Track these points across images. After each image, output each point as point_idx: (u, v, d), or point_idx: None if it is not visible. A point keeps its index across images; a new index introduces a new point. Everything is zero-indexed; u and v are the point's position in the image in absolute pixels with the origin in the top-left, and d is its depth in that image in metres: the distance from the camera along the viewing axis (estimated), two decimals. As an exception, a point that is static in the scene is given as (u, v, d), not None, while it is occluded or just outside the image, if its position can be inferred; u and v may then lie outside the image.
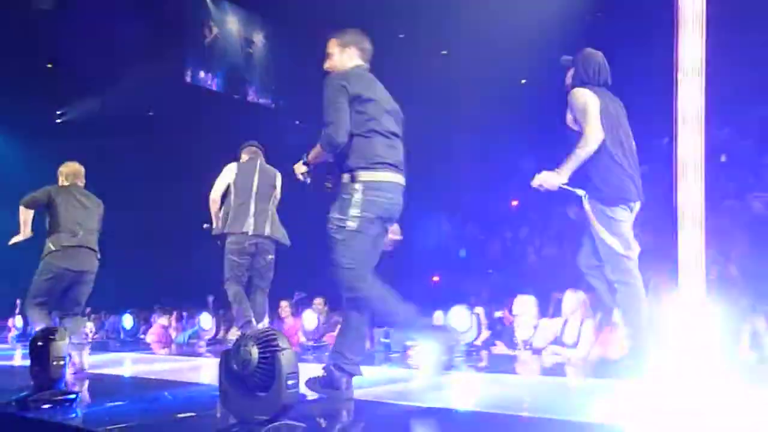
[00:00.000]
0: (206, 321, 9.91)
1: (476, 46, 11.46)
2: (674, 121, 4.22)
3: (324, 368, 3.87)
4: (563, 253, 10.58)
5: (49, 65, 16.66)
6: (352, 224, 3.70)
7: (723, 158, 10.34)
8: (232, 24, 16.09)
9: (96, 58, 14.95)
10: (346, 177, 3.78)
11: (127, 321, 10.97)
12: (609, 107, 4.42)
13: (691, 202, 4.15)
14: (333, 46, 4.10)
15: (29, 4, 13.62)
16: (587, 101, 4.35)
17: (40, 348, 3.78)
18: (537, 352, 6.62)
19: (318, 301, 9.15)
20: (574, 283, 6.68)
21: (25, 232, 6.14)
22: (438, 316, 7.24)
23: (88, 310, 13.61)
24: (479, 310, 7.30)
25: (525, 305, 7.04)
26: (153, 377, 5.64)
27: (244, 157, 6.66)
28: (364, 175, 3.72)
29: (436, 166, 12.30)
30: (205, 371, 6.10)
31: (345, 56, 4.04)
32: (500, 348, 7.02)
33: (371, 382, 4.66)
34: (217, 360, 2.87)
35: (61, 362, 3.78)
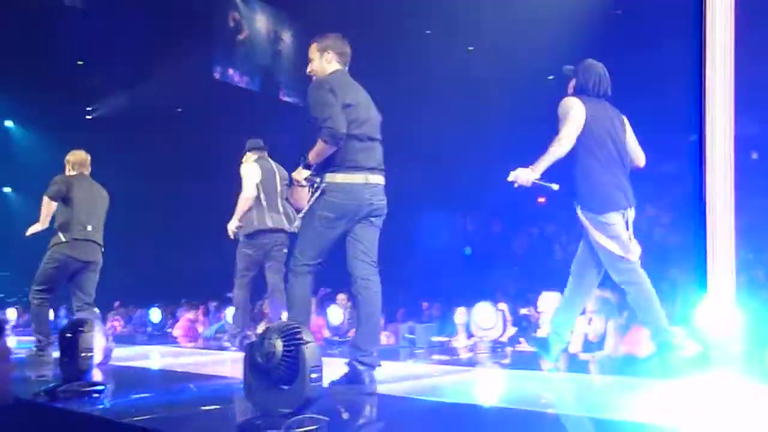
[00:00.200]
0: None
1: (502, 43, 11.41)
2: (702, 118, 4.17)
3: (347, 364, 3.93)
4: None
5: (80, 62, 16.85)
6: (310, 219, 3.97)
7: (754, 155, 10.18)
8: (261, 21, 16.15)
9: (125, 56, 15.12)
10: (317, 179, 4.01)
11: (155, 315, 11.08)
12: (599, 117, 4.58)
13: (721, 202, 4.11)
14: (313, 51, 4.23)
15: (60, 3, 13.78)
16: (570, 109, 4.55)
17: (69, 340, 3.84)
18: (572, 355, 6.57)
19: (342, 297, 9.18)
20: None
21: (44, 223, 6.29)
22: (461, 312, 7.23)
23: (116, 303, 13.82)
24: (504, 306, 7.26)
25: (550, 302, 7.00)
26: (179, 370, 5.70)
27: (254, 155, 6.76)
28: (327, 177, 3.94)
29: (463, 163, 12.29)
30: (231, 365, 6.15)
31: (324, 61, 4.17)
32: (525, 345, 6.99)
33: (396, 377, 4.67)
34: (243, 354, 2.89)
35: (90, 354, 3.83)
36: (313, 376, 2.67)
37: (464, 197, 12.49)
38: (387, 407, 3.67)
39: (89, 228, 6.18)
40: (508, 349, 6.86)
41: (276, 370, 2.70)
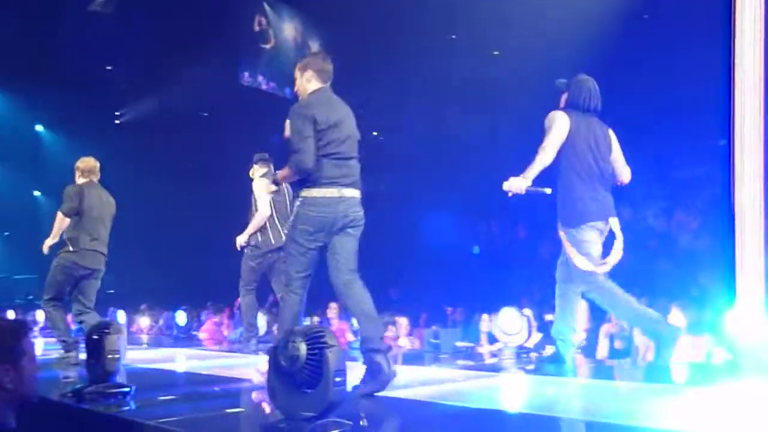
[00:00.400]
0: (259, 319, 10.00)
1: (528, 47, 11.36)
2: (731, 122, 4.13)
3: (363, 363, 4.05)
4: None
5: (108, 68, 17.05)
6: (293, 234, 4.18)
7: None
8: (287, 26, 16.22)
9: (153, 61, 15.27)
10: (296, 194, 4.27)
11: (181, 318, 11.15)
12: (582, 131, 4.81)
13: (750, 206, 4.06)
14: (295, 71, 4.39)
15: (89, 8, 13.96)
16: (554, 122, 4.79)
17: (96, 342, 3.88)
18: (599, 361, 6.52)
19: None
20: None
21: (56, 237, 6.47)
22: (486, 318, 7.20)
23: (143, 306, 13.94)
24: (529, 312, 7.21)
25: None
26: (204, 373, 5.73)
27: (262, 168, 6.89)
28: (304, 192, 4.14)
29: (486, 168, 12.24)
30: (256, 368, 6.17)
31: (304, 80, 4.32)
32: (550, 350, 6.93)
33: (420, 381, 4.66)
34: (266, 357, 2.90)
35: (116, 356, 3.86)
36: (337, 379, 2.67)
37: (489, 202, 12.43)
38: (411, 412, 3.66)
39: (96, 238, 6.39)
40: (533, 355, 6.82)
41: (300, 374, 2.70)
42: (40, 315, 11.28)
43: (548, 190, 4.75)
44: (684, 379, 4.92)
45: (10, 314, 11.99)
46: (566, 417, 3.42)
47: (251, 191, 7.10)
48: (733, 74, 4.16)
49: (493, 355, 6.41)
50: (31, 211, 17.24)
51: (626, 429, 3.06)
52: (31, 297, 14.46)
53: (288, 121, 4.19)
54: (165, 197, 16.07)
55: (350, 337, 8.36)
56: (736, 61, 4.16)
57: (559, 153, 4.77)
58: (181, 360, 7.07)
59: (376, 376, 3.90)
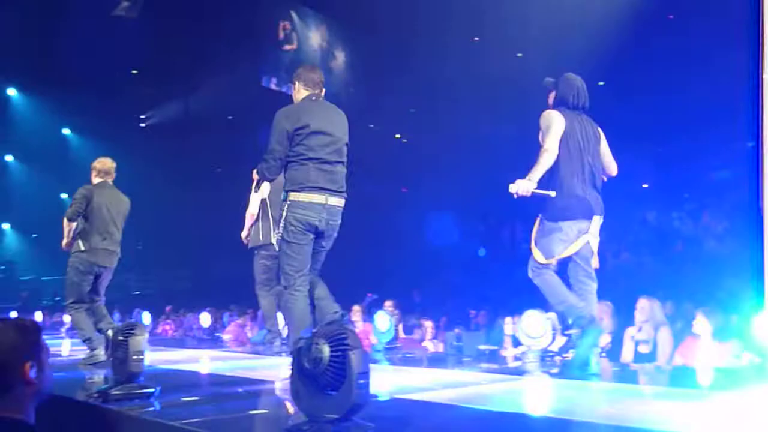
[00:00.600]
0: (282, 321, 10.03)
1: (552, 48, 11.31)
2: (760, 124, 4.08)
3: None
4: (640, 260, 10.33)
5: (134, 71, 17.22)
6: (286, 236, 4.41)
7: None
8: (312, 31, 16.27)
9: (178, 65, 15.40)
10: (283, 197, 4.50)
11: (205, 319, 11.20)
12: (576, 130, 4.89)
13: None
14: (293, 82, 4.75)
15: (113, 13, 14.11)
16: (551, 122, 4.86)
17: (120, 343, 3.91)
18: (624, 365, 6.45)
19: (389, 303, 9.18)
20: (650, 291, 6.51)
21: (68, 238, 6.57)
22: (510, 321, 7.16)
23: (168, 308, 14.06)
24: (552, 315, 7.16)
25: (600, 312, 6.89)
26: (228, 374, 5.76)
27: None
28: (292, 195, 4.40)
29: (511, 171, 12.18)
30: (279, 369, 6.19)
31: (294, 90, 4.69)
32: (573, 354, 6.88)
33: (442, 384, 4.65)
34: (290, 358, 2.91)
35: (141, 357, 3.90)
36: (360, 382, 2.67)
37: (514, 205, 12.40)
38: (433, 414, 3.65)
39: (107, 238, 6.51)
40: (557, 359, 6.77)
41: (323, 376, 2.70)
42: (67, 317, 11.44)
43: (553, 193, 4.82)
44: (711, 383, 4.86)
45: (13, 314, 12.18)
46: (589, 421, 3.39)
47: None
48: (761, 75, 4.10)
49: (517, 358, 6.37)
50: (59, 213, 17.41)
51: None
52: (58, 298, 14.66)
53: (272, 126, 4.49)
54: (190, 200, 16.21)
55: (374, 339, 8.36)
56: (764, 62, 4.11)
57: None
58: (204, 361, 7.11)
59: None
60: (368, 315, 8.97)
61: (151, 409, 3.68)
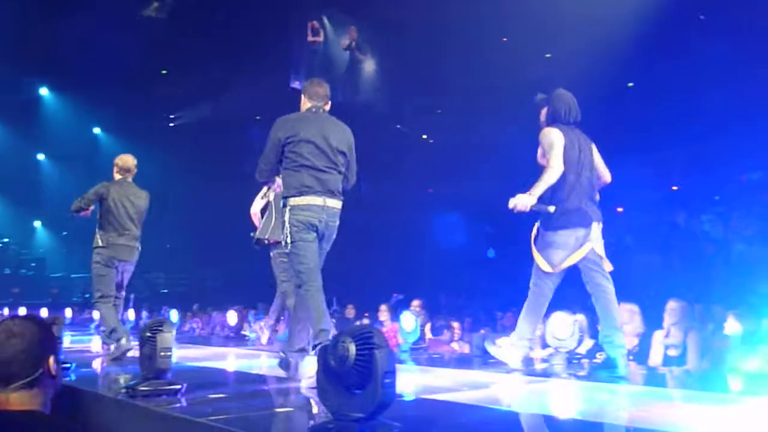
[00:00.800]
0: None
1: (580, 49, 11.22)
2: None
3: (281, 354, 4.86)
4: (670, 262, 10.22)
5: (163, 71, 17.37)
6: (292, 237, 4.62)
7: None
8: (340, 32, 16.29)
9: (206, 65, 15.51)
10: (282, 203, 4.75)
11: (231, 317, 11.28)
12: (574, 144, 5.05)
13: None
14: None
15: (143, 13, 14.26)
16: (553, 140, 5.01)
17: (148, 339, 3.94)
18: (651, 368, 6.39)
19: (416, 303, 9.17)
20: (679, 293, 6.43)
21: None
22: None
23: (195, 306, 14.16)
24: (581, 317, 7.10)
25: (627, 314, 6.82)
26: (254, 372, 5.79)
27: None
28: (291, 201, 4.65)
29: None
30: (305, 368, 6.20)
31: (301, 102, 4.96)
32: (602, 357, 6.81)
33: (469, 385, 4.64)
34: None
35: (168, 353, 3.92)
36: (387, 381, 2.66)
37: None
38: (458, 415, 3.64)
39: (124, 234, 6.70)
40: (585, 361, 6.71)
41: (349, 374, 2.70)
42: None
43: (552, 209, 4.95)
44: (741, 388, 4.79)
45: (43, 311, 12.38)
46: (616, 424, 3.36)
47: None
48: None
49: (544, 360, 6.33)
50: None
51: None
52: (87, 295, 14.83)
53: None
54: (218, 199, 16.31)
55: (401, 339, 8.36)
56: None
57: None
58: (231, 359, 7.15)
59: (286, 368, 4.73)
60: (395, 315, 8.97)
61: (177, 405, 3.70)
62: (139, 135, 17.13)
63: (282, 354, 4.91)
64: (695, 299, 7.41)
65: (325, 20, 15.97)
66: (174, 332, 4.03)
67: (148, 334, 3.95)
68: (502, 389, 4.71)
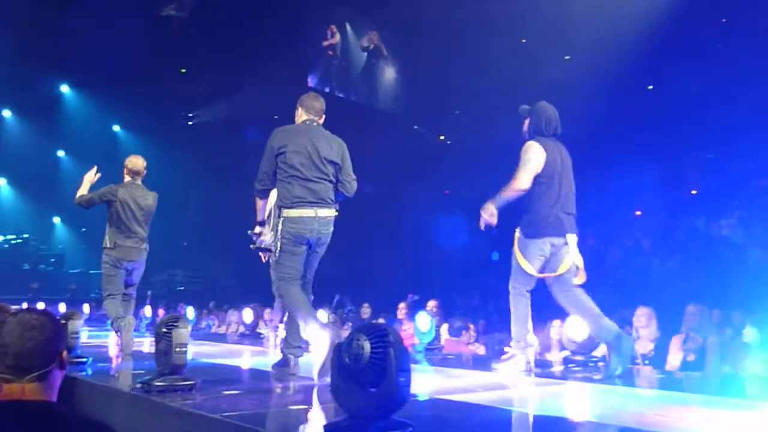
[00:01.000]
0: (324, 318, 10.06)
1: (599, 52, 11.16)
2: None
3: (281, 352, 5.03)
4: (688, 267, 10.14)
5: (183, 70, 17.46)
6: (280, 246, 4.84)
7: None
8: (358, 33, 16.31)
9: (225, 64, 15.56)
10: (277, 213, 4.94)
11: (247, 315, 11.30)
12: (555, 158, 5.11)
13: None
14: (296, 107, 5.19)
15: (163, 13, 14.34)
16: (531, 156, 5.08)
17: (164, 335, 3.96)
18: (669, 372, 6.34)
19: (432, 303, 9.16)
20: (698, 298, 6.38)
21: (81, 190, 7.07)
22: (556, 325, 7.09)
23: (211, 304, 14.21)
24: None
25: (644, 318, 6.78)
26: (269, 369, 5.80)
27: None
28: (284, 212, 4.84)
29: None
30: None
31: (297, 114, 5.15)
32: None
33: (485, 386, 4.62)
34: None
35: (184, 349, 3.94)
36: (401, 379, 2.65)
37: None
38: (473, 415, 3.63)
39: (131, 236, 6.80)
40: (601, 364, 6.67)
41: (363, 372, 2.69)
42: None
43: (494, 221, 5.10)
44: (760, 393, 4.74)
45: (61, 306, 12.47)
46: (631, 427, 3.34)
47: None
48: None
49: (561, 362, 6.29)
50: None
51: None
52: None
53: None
54: (235, 197, 16.36)
55: (416, 340, 8.34)
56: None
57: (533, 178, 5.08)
58: (246, 356, 7.17)
59: (283, 368, 4.89)
60: (410, 315, 8.96)
61: (191, 401, 3.72)
62: (158, 133, 17.23)
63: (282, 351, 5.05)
64: (714, 304, 7.34)
65: (342, 17, 16.00)
66: (189, 328, 4.05)
67: (164, 330, 3.97)
68: (517, 391, 4.69)
